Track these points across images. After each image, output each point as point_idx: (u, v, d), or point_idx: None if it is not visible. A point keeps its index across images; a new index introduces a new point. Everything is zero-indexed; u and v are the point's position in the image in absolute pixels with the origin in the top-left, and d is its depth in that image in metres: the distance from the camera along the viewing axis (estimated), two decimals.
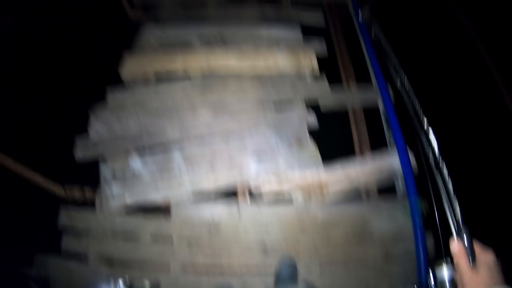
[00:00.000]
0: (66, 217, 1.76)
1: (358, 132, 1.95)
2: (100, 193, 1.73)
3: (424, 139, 0.87)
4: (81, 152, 1.82)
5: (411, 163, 1.58)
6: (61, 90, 2.34)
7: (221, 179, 1.68)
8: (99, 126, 1.87)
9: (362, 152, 1.86)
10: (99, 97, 2.00)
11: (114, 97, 2.02)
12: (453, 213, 0.73)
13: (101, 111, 1.96)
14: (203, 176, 1.69)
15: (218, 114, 1.87)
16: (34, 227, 1.95)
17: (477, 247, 0.57)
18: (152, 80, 2.16)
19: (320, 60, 2.16)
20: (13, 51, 2.34)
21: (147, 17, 2.55)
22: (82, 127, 1.88)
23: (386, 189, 1.74)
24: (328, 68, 2.19)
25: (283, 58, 2.15)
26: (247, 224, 1.62)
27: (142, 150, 1.81)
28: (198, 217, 1.64)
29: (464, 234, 0.58)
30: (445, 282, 0.61)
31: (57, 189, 1.85)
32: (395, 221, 1.58)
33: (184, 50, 2.25)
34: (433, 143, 0.91)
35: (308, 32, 2.33)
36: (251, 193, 1.68)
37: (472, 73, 2.00)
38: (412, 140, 1.65)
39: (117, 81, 2.10)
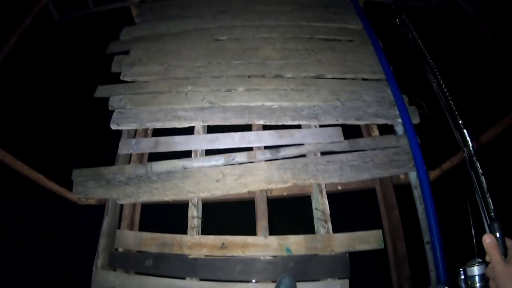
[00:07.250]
0: None
1: None
2: None
3: (458, 134, 0.78)
4: None
5: None
6: None
7: None
8: None
9: None
10: None
11: None
12: (486, 209, 0.67)
13: None
14: None
15: None
16: None
17: (509, 242, 0.60)
18: None
19: None
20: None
21: None
22: None
23: None
24: None
25: None
26: None
27: None
28: None
29: (497, 229, 0.60)
30: (475, 277, 0.61)
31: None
32: None
33: None
34: (467, 138, 0.83)
35: None
36: None
37: None
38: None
39: None
